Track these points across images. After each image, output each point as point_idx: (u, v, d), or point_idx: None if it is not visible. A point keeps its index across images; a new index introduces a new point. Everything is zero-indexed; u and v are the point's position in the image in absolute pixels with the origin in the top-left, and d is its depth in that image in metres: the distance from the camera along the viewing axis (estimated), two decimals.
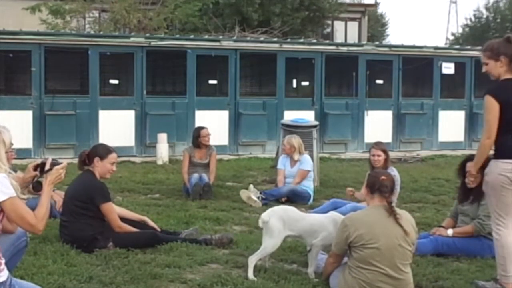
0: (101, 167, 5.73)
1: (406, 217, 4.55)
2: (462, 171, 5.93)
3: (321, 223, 5.09)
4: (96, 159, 5.73)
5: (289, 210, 5.27)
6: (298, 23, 22.76)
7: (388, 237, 4.37)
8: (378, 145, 7.54)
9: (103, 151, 5.81)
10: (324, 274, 4.84)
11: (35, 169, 3.96)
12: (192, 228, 6.29)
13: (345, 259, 4.66)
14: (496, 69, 4.73)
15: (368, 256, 4.36)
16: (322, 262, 5.02)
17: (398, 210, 4.56)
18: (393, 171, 7.28)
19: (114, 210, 5.78)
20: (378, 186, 4.51)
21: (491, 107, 4.63)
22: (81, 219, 5.62)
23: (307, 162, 8.79)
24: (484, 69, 4.84)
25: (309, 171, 8.79)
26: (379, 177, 4.58)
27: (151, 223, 6.10)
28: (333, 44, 17.69)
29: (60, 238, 5.76)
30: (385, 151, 7.36)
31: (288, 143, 8.77)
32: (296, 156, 8.74)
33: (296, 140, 8.82)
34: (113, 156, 5.82)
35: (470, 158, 5.95)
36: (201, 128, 9.23)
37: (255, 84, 15.96)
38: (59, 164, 3.80)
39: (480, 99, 16.80)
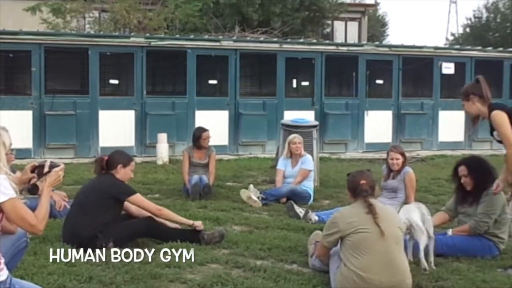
0: (123, 174, 5.93)
1: (392, 219, 4.62)
2: (456, 176, 5.99)
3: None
4: (120, 166, 5.90)
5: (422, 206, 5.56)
6: (298, 23, 22.75)
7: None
8: (396, 148, 7.66)
9: (126, 159, 6.04)
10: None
11: (32, 171, 3.96)
12: None
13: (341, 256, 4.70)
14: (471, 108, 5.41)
15: (360, 241, 4.44)
16: (317, 263, 5.13)
17: (381, 209, 4.62)
18: (408, 169, 7.47)
19: (145, 199, 5.98)
20: (359, 191, 4.67)
21: (504, 120, 5.12)
22: (87, 213, 5.68)
23: (309, 162, 8.82)
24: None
25: (310, 170, 8.83)
26: (358, 181, 4.70)
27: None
28: (333, 44, 17.69)
29: (61, 237, 5.79)
30: (403, 154, 7.45)
31: (298, 139, 8.85)
32: (302, 151, 8.82)
33: (299, 136, 8.97)
34: (133, 164, 6.09)
35: (462, 162, 6.02)
36: (203, 130, 9.18)
37: (255, 84, 15.96)
38: (57, 166, 3.81)
39: None
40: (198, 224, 6.00)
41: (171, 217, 5.96)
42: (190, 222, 6.02)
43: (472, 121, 5.59)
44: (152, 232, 5.85)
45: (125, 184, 5.95)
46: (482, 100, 5.34)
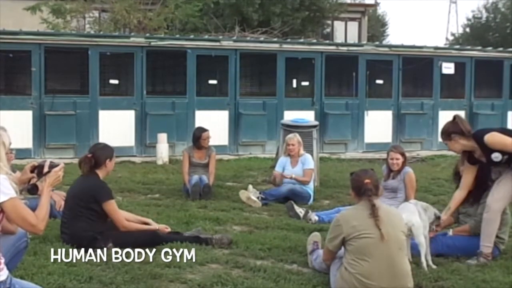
0: (110, 166, 5.92)
1: (396, 223, 4.58)
2: (457, 175, 6.01)
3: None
4: (107, 160, 5.86)
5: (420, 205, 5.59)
6: (298, 23, 22.76)
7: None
8: (396, 148, 7.74)
9: (110, 150, 5.97)
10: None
11: (32, 170, 3.95)
12: (194, 230, 6.30)
13: (342, 258, 4.68)
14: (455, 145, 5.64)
15: (362, 246, 4.40)
16: (316, 265, 5.11)
17: (385, 212, 4.56)
18: (408, 169, 7.54)
19: (118, 209, 5.86)
20: (364, 191, 4.60)
21: (501, 136, 5.43)
22: (82, 218, 5.66)
23: (310, 161, 8.83)
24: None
25: (313, 169, 8.85)
26: (363, 181, 4.64)
27: (155, 225, 6.11)
28: (333, 44, 17.69)
29: (60, 237, 5.78)
30: (403, 154, 7.51)
31: (296, 138, 8.82)
32: (301, 151, 8.79)
33: (297, 136, 8.93)
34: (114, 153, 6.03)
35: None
36: (203, 130, 9.18)
37: (255, 84, 15.95)
38: (57, 166, 3.80)
39: (480, 99, 16.85)
40: (166, 230, 6.00)
41: (137, 229, 5.88)
42: (156, 227, 6.01)
43: (464, 160, 5.73)
44: (155, 244, 5.71)
45: (107, 186, 5.87)
46: (464, 136, 5.58)
